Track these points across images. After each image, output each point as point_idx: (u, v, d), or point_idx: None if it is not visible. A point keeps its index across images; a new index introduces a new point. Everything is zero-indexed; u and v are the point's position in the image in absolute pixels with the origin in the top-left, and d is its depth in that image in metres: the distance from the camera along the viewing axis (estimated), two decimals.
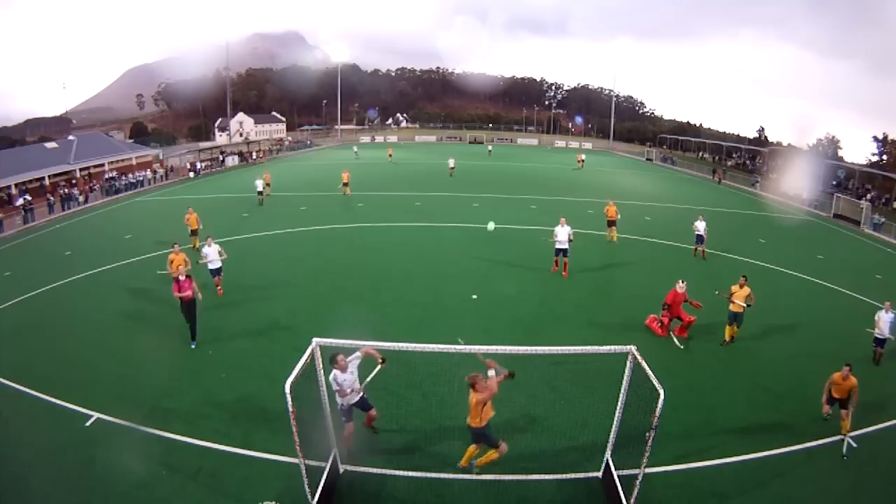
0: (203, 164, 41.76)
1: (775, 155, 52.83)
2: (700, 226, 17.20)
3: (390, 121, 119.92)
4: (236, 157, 46.68)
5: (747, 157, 58.35)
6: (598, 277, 15.24)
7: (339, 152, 53.91)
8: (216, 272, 13.26)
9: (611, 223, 18.57)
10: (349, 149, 53.74)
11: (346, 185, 27.63)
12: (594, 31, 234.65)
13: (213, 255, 12.93)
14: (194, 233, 17.24)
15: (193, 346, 10.40)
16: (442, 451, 7.25)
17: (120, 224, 22.93)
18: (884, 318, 10.41)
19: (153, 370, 9.46)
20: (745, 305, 10.78)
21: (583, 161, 45.55)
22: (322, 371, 6.04)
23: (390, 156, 46.41)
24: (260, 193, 25.14)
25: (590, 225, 21.56)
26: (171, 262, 12.04)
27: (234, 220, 22.13)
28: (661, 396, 5.30)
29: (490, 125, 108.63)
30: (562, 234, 14.62)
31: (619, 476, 6.30)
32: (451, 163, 36.82)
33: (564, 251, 14.72)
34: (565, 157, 50.81)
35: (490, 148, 57.06)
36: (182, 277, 10.24)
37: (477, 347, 6.51)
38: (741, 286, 10.91)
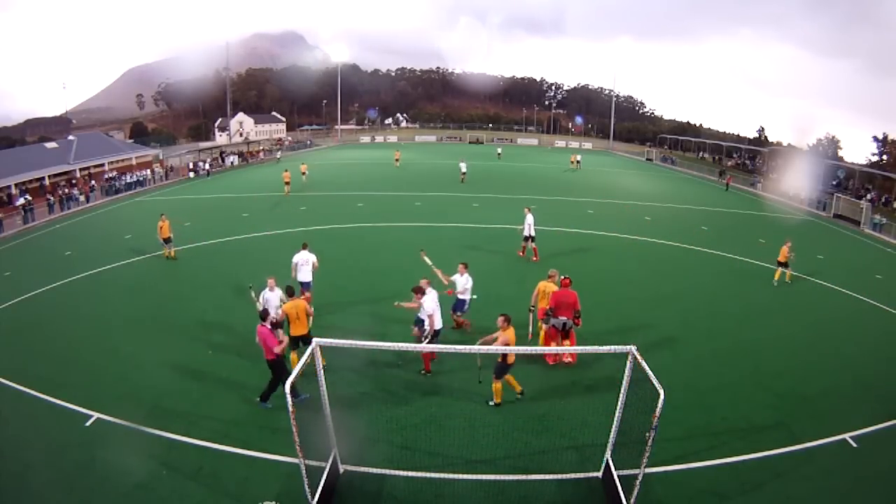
0: (208, 165, 41.55)
1: (775, 155, 52.86)
2: None
3: (390, 121, 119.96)
4: (236, 157, 46.71)
5: (747, 157, 58.37)
6: (598, 278, 15.22)
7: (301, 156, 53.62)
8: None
9: (783, 264, 15.28)
10: (352, 148, 53.50)
11: (303, 173, 30.72)
12: (594, 31, 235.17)
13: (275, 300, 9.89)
14: (167, 241, 16.16)
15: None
16: (442, 451, 7.24)
17: (120, 224, 22.93)
18: (459, 281, 10.56)
19: (153, 370, 9.45)
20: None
21: (577, 162, 44.62)
22: (322, 371, 6.03)
23: (397, 160, 41.28)
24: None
25: (590, 225, 21.62)
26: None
27: (233, 219, 22.12)
28: (662, 396, 5.30)
29: (490, 125, 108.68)
30: (527, 221, 16.08)
31: (619, 476, 6.29)
32: (463, 167, 33.01)
33: (533, 238, 16.25)
34: (565, 157, 50.71)
35: (500, 150, 54.53)
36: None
37: (476, 348, 6.52)
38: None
